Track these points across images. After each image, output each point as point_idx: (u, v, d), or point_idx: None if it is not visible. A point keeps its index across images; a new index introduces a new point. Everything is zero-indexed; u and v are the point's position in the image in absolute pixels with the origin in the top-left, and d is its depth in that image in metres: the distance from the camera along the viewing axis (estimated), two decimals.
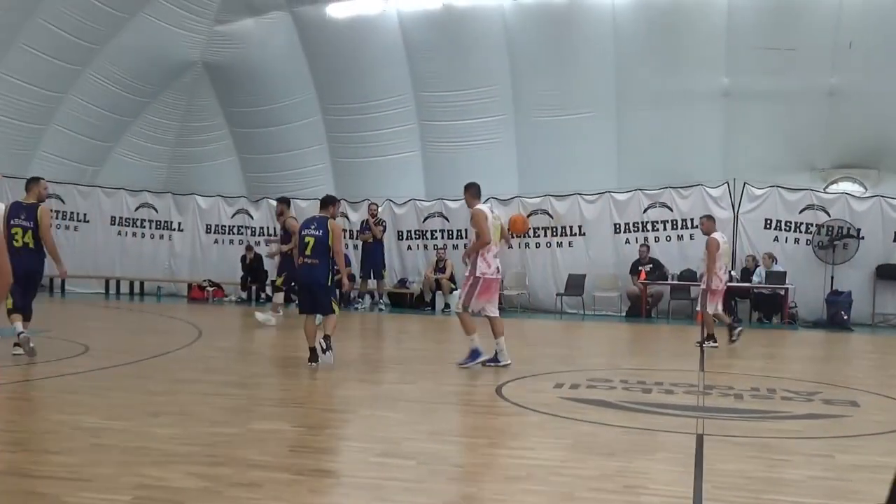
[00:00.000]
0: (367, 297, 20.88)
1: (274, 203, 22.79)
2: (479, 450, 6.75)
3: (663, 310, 20.10)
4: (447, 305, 20.11)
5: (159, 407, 7.93)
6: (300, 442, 6.89)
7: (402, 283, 21.72)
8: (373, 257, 20.49)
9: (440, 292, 20.47)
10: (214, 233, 23.73)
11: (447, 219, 21.66)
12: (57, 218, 23.05)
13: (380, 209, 21.20)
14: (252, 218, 23.46)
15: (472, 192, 11.52)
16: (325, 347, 10.66)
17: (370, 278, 20.74)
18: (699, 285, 15.24)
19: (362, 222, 21.10)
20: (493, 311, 11.25)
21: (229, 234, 23.44)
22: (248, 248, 22.32)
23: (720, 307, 14.12)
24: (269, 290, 16.57)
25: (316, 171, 24.25)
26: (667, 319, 19.65)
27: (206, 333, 14.22)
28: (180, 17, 23.31)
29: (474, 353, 10.95)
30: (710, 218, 14.43)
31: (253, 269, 21.95)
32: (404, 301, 21.20)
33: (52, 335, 11.77)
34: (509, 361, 11.05)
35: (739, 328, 14.37)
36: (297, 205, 21.73)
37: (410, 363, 11.90)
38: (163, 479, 5.60)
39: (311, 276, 11.00)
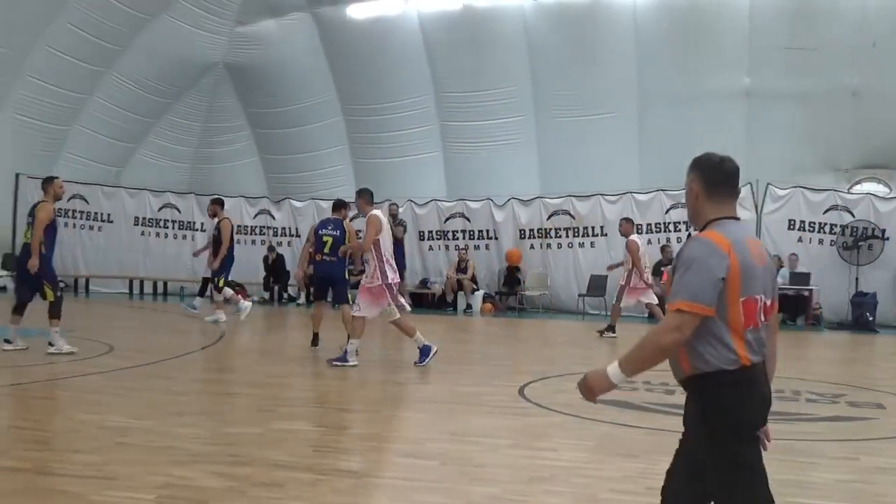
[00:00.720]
0: None
1: (296, 204, 22.95)
2: (501, 450, 6.74)
3: None
4: (469, 306, 20.11)
5: (182, 406, 7.97)
6: (322, 442, 6.91)
7: (424, 283, 21.72)
8: (394, 258, 20.51)
9: (462, 293, 20.46)
10: (237, 233, 23.81)
11: (468, 219, 21.62)
12: (81, 218, 23.19)
13: (400, 210, 21.20)
14: (274, 218, 23.51)
15: (366, 197, 11.51)
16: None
17: None
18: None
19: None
20: (370, 314, 11.21)
21: (251, 234, 23.49)
22: (270, 248, 22.37)
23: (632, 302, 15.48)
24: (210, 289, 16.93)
25: (337, 172, 24.30)
26: None
27: (228, 334, 14.27)
28: (202, 18, 23.45)
29: (425, 350, 11.02)
30: (628, 221, 15.79)
31: (275, 269, 22.01)
32: (426, 301, 21.20)
33: (77, 335, 11.85)
34: (357, 363, 10.97)
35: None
36: (319, 205, 21.80)
37: (432, 363, 11.89)
38: (186, 478, 5.63)
39: (330, 272, 12.15)
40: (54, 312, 11.06)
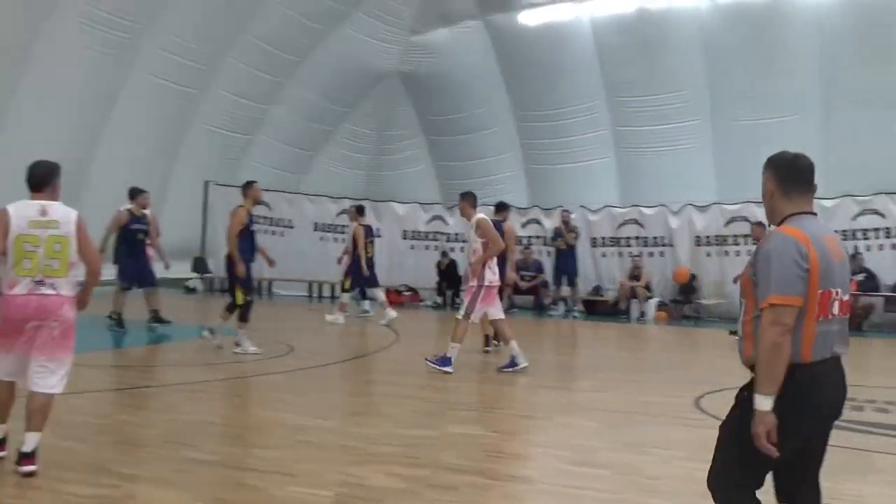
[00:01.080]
0: (561, 304, 20.79)
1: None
2: (675, 462, 6.57)
3: (876, 323, 18.93)
4: (643, 314, 19.75)
5: (359, 407, 8.17)
6: (495, 447, 6.93)
7: (597, 290, 21.48)
8: (566, 264, 20.40)
9: (635, 300, 20.12)
10: (410, 239, 24.26)
11: (642, 226, 21.23)
12: (264, 224, 24.22)
13: (573, 216, 21.05)
14: (447, 224, 23.81)
15: (470, 201, 11.21)
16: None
17: (563, 285, 20.66)
18: None
19: (555, 229, 21.02)
20: (498, 314, 11.28)
21: (425, 240, 23.89)
22: (444, 254, 22.67)
23: None
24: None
25: (509, 178, 24.39)
26: (880, 333, 18.51)
27: (402, 337, 14.55)
28: (378, 29, 24.10)
29: (445, 361, 10.68)
30: (759, 225, 14.65)
31: (448, 274, 22.29)
32: (598, 308, 20.97)
33: (260, 335, 12.35)
34: (526, 364, 10.81)
35: None
36: (491, 211, 21.87)
37: (606, 371, 11.75)
38: (363, 477, 5.77)
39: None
40: (243, 315, 11.59)
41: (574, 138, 23.34)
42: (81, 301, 6.08)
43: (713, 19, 21.07)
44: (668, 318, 19.75)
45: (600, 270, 21.72)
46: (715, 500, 3.86)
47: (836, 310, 3.55)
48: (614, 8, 22.14)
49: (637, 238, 21.23)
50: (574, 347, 15.61)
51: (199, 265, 23.32)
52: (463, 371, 11.62)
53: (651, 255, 20.88)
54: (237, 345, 11.56)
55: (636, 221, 21.27)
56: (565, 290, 20.78)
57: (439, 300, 22.40)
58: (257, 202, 11.96)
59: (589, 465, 6.38)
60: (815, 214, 3.70)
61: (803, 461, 3.80)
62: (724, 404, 8.87)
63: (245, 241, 11.49)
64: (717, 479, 3.86)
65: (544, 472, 6.36)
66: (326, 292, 24.23)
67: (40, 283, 5.81)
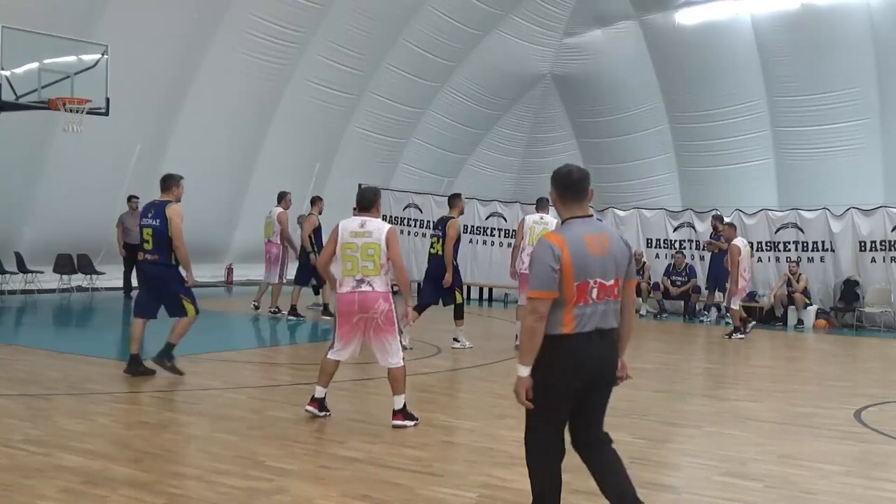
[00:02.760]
0: (713, 310, 20.23)
1: (620, 214, 22.80)
2: (833, 478, 6.30)
3: None
4: (800, 321, 18.99)
5: (505, 409, 8.18)
6: (641, 454, 6.82)
7: (752, 296, 20.79)
8: (719, 268, 19.80)
9: (792, 307, 19.36)
10: None
11: (801, 230, 20.40)
12: (415, 226, 24.54)
13: (727, 219, 20.42)
14: None
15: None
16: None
17: (716, 290, 20.07)
18: None
19: (712, 232, 20.44)
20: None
21: None
22: None
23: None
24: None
25: (662, 181, 23.98)
26: None
27: None
28: (532, 31, 24.12)
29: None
30: (731, 226, 17.12)
31: None
32: (753, 315, 20.28)
33: (409, 337, 12.53)
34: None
35: (752, 323, 16.71)
36: (643, 214, 21.53)
37: (759, 380, 11.38)
38: (507, 480, 5.79)
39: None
40: (458, 314, 12.71)
41: (731, 139, 22.76)
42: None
43: (885, 14, 20.12)
44: (828, 327, 18.93)
45: (756, 276, 20.98)
46: (525, 452, 4.75)
47: (594, 295, 4.38)
48: (776, 4, 21.46)
49: (796, 243, 20.40)
50: (725, 355, 15.16)
51: None
52: None
53: (811, 260, 20.02)
54: (455, 340, 12.67)
55: (795, 225, 20.43)
56: (718, 296, 20.19)
57: None
58: (461, 213, 12.72)
59: (739, 476, 6.20)
60: (589, 216, 4.55)
61: (585, 418, 4.70)
62: (888, 418, 8.51)
63: (455, 248, 12.46)
64: (525, 436, 4.74)
65: (691, 482, 6.21)
66: (475, 294, 24.36)
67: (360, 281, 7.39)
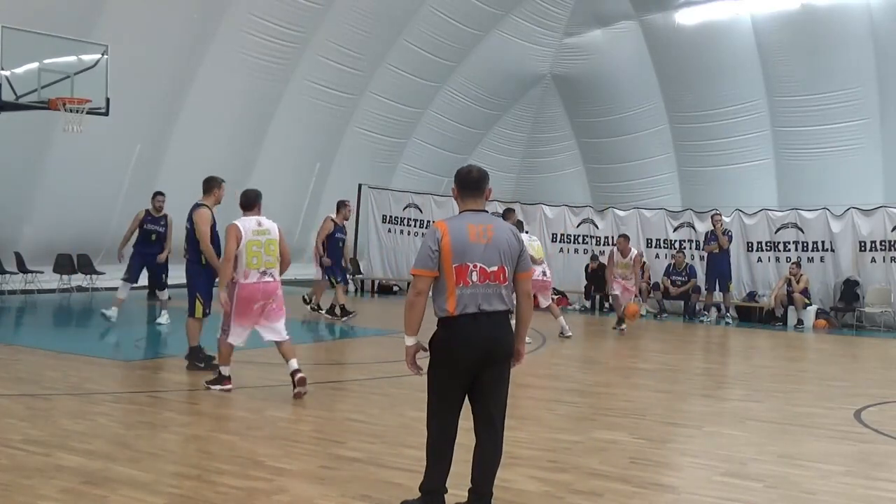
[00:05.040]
0: (713, 310, 20.22)
1: (620, 213, 22.80)
2: (834, 478, 6.29)
3: None
4: (800, 321, 18.99)
5: (508, 410, 8.18)
6: (641, 454, 6.82)
7: (751, 296, 20.80)
8: (719, 268, 19.78)
9: (792, 307, 19.36)
10: (559, 241, 24.11)
11: (801, 230, 20.41)
12: (415, 226, 24.56)
13: (727, 219, 20.41)
14: (597, 227, 23.53)
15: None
16: None
17: (716, 290, 20.05)
18: None
19: (707, 232, 20.41)
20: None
21: (574, 243, 23.68)
22: (593, 257, 22.39)
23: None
24: None
25: (662, 181, 23.99)
26: None
27: (549, 340, 14.49)
28: (532, 31, 24.13)
29: None
30: (624, 237, 17.26)
31: (597, 278, 22.04)
32: (753, 315, 20.29)
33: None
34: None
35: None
36: (642, 214, 21.54)
37: (759, 380, 11.37)
38: (507, 480, 5.77)
39: None
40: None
41: (731, 139, 22.79)
42: None
43: (885, 14, 20.14)
44: (828, 327, 18.93)
45: (755, 276, 21.00)
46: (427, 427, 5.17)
47: (475, 278, 4.82)
48: (776, 4, 21.48)
49: (796, 243, 20.41)
50: (725, 355, 15.17)
51: (352, 266, 23.87)
52: (611, 377, 11.50)
53: (811, 260, 20.02)
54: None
55: (795, 225, 20.45)
56: (718, 296, 20.18)
57: (587, 304, 22.19)
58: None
59: (739, 476, 6.19)
60: (482, 211, 5.02)
61: (479, 398, 5.06)
62: (888, 418, 8.50)
63: None
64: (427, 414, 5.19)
65: (691, 482, 6.21)
66: None
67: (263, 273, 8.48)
